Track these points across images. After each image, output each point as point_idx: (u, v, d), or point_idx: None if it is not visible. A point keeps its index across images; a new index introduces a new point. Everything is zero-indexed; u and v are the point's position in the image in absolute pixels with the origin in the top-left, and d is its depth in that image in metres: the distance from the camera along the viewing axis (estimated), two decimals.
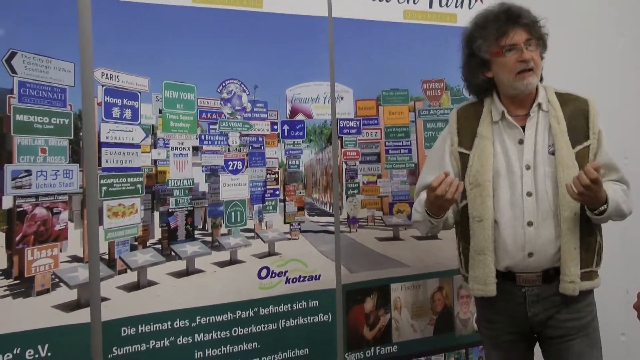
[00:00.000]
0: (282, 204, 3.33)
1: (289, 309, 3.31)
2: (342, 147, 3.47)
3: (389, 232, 3.61)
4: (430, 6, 3.68)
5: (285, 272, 3.30)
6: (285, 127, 3.32)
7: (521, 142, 2.77)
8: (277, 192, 3.32)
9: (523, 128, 2.78)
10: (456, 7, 3.75)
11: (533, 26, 2.74)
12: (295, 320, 3.32)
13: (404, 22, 3.60)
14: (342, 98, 3.43)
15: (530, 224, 2.71)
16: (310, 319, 3.36)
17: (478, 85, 2.89)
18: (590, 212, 2.64)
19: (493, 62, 2.79)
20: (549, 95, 2.81)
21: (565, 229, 2.68)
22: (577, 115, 2.76)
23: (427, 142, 3.67)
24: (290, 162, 3.34)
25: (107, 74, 2.87)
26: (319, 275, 3.38)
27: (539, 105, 2.79)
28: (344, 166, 3.48)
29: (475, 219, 2.78)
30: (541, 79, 2.86)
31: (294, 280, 3.32)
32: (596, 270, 2.77)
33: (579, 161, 2.69)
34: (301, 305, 3.34)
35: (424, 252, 3.67)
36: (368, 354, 3.51)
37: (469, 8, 3.76)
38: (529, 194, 2.71)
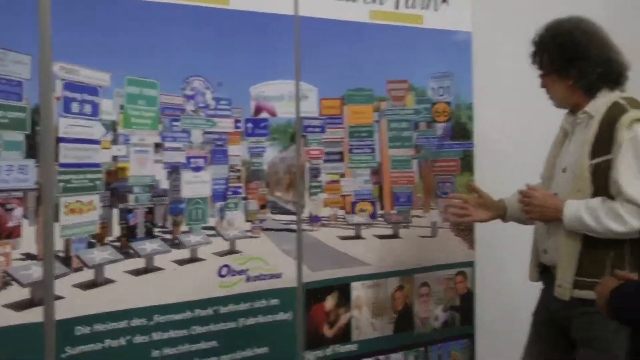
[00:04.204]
0: (244, 202, 3.30)
1: (249, 307, 3.29)
2: (305, 145, 3.45)
3: (351, 231, 3.61)
4: (397, 7, 3.66)
5: (246, 270, 3.28)
6: (249, 125, 3.29)
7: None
8: (240, 190, 3.29)
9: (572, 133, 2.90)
10: (422, 8, 3.73)
11: (541, 55, 2.88)
12: (256, 319, 3.30)
13: (370, 22, 3.58)
14: (306, 97, 3.41)
15: (546, 222, 2.85)
16: (270, 318, 3.35)
17: None
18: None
19: None
20: (605, 103, 2.79)
21: (564, 235, 2.75)
22: (608, 127, 2.72)
23: (390, 142, 3.67)
24: (253, 160, 3.31)
25: (66, 68, 2.81)
26: (280, 274, 3.37)
27: (588, 113, 2.81)
28: (308, 165, 3.46)
29: None
30: (593, 91, 2.83)
31: (255, 278, 3.30)
32: None
33: (598, 173, 2.68)
34: (261, 304, 3.32)
35: (385, 251, 3.68)
36: (328, 352, 3.51)
37: (435, 10, 3.75)
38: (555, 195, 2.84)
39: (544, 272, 2.96)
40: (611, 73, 2.81)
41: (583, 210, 2.66)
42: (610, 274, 2.57)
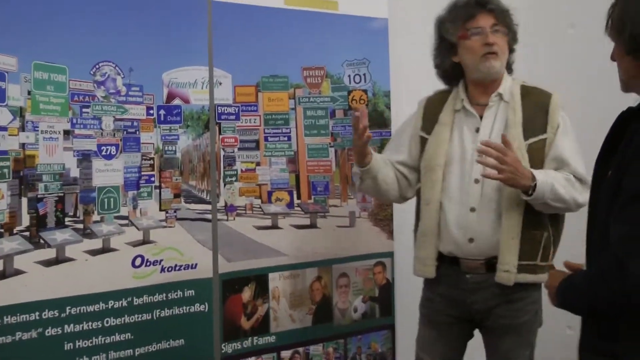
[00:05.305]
0: (158, 190, 3.25)
1: (164, 298, 3.23)
2: (220, 133, 3.41)
3: (267, 221, 3.58)
4: None
5: (161, 260, 3.22)
6: (162, 112, 3.23)
7: (478, 130, 2.84)
8: (153, 179, 3.23)
9: (483, 117, 2.86)
10: None
11: (501, 13, 2.82)
12: (171, 311, 3.25)
13: (285, 7, 3.55)
14: (220, 83, 3.38)
15: (472, 209, 2.78)
16: (186, 309, 3.29)
17: (446, 70, 2.96)
18: (524, 194, 2.66)
19: (460, 46, 2.85)
20: (514, 87, 2.87)
21: (504, 218, 2.74)
22: (537, 108, 2.81)
23: (306, 130, 3.66)
24: (166, 148, 3.26)
25: None
26: (196, 264, 3.32)
27: (500, 95, 2.85)
28: (222, 153, 3.43)
29: (424, 202, 2.89)
30: (511, 71, 2.95)
31: (170, 269, 3.25)
32: (542, 265, 2.77)
33: (533, 154, 2.75)
34: (177, 295, 3.27)
35: (302, 241, 3.66)
36: (245, 344, 3.47)
37: None
38: (476, 181, 2.78)
39: (445, 264, 2.90)
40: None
41: (550, 178, 2.68)
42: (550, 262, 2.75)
